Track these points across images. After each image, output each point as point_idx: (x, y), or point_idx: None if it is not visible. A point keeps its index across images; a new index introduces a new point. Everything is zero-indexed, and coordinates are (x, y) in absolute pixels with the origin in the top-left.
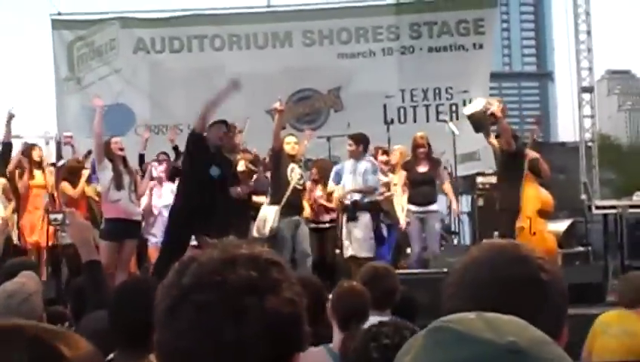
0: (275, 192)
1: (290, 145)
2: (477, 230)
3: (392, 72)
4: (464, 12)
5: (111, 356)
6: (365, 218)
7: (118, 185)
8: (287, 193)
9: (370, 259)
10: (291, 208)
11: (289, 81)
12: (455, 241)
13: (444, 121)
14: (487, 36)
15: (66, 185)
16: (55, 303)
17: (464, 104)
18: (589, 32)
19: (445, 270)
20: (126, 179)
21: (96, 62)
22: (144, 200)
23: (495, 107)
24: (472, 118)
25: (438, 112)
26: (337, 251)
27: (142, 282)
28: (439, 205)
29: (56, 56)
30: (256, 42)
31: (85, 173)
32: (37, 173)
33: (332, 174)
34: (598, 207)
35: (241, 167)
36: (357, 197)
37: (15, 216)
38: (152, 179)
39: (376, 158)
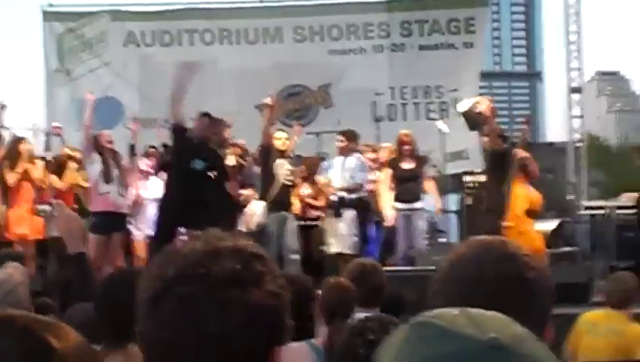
0: (264, 187)
1: (280, 140)
2: (464, 228)
3: (382, 69)
4: (455, 11)
5: (97, 348)
6: (350, 214)
7: (107, 179)
8: (276, 189)
9: (354, 257)
10: (279, 204)
11: (279, 76)
12: (443, 239)
13: (434, 119)
14: (478, 35)
15: (53, 178)
16: (42, 295)
17: (454, 103)
18: (579, 33)
19: (432, 268)
20: (115, 172)
21: (87, 55)
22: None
23: (483, 106)
24: (465, 116)
25: (427, 110)
26: (324, 247)
27: (128, 274)
28: (427, 203)
29: (46, 47)
30: (247, 37)
31: (72, 165)
32: (25, 166)
33: (320, 170)
34: (585, 208)
35: (231, 161)
36: (343, 193)
37: (3, 208)
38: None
39: (364, 156)
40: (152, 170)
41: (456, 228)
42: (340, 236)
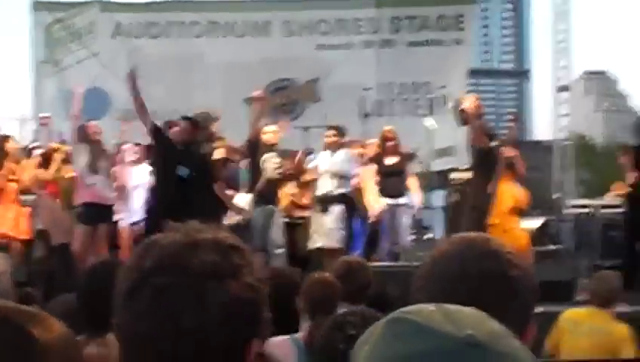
0: (251, 181)
1: (270, 134)
2: (450, 225)
3: (370, 65)
4: (444, 7)
5: (79, 338)
6: (337, 209)
7: (94, 170)
8: (263, 182)
9: (340, 251)
10: (266, 197)
11: (267, 70)
12: (428, 236)
13: (421, 115)
14: (467, 32)
15: (39, 171)
16: (26, 285)
17: (442, 100)
18: (567, 32)
19: (416, 264)
20: (102, 163)
21: (75, 46)
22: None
23: (467, 104)
24: (455, 112)
25: (415, 107)
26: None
27: (110, 265)
28: (412, 199)
29: (34, 38)
30: (235, 31)
31: (57, 156)
32: (10, 165)
33: (306, 164)
34: (571, 206)
35: (218, 154)
36: (330, 188)
37: None
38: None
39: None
40: (138, 158)
41: (441, 224)
42: (327, 230)
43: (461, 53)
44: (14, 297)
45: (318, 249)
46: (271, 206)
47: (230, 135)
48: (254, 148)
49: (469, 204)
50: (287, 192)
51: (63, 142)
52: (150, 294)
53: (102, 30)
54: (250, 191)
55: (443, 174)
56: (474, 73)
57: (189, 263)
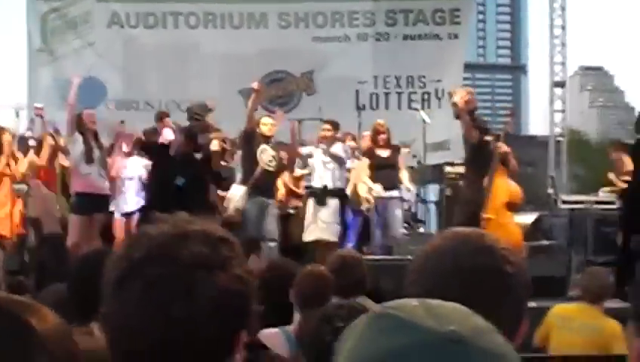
0: (246, 173)
1: (267, 126)
2: (443, 219)
3: (366, 58)
4: (440, 1)
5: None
6: (334, 203)
7: (89, 159)
8: (258, 174)
9: (335, 244)
10: (260, 189)
11: (263, 62)
12: (422, 229)
13: (416, 109)
14: (463, 26)
15: (32, 157)
16: (18, 275)
17: (436, 93)
18: (563, 27)
19: (410, 257)
20: (96, 153)
21: (70, 35)
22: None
23: (457, 97)
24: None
25: (410, 100)
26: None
27: (101, 254)
28: (407, 193)
29: (29, 26)
30: (232, 22)
31: (48, 141)
32: (4, 159)
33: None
34: (564, 202)
35: (214, 146)
36: (327, 182)
37: None
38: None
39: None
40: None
41: (435, 218)
42: (324, 223)
43: (457, 47)
44: (6, 286)
45: (314, 241)
46: (265, 198)
47: (226, 126)
48: (250, 139)
49: (463, 199)
50: (284, 180)
51: (57, 131)
52: (139, 285)
53: (98, 20)
54: (244, 182)
55: (438, 168)
56: (470, 67)
57: (178, 254)
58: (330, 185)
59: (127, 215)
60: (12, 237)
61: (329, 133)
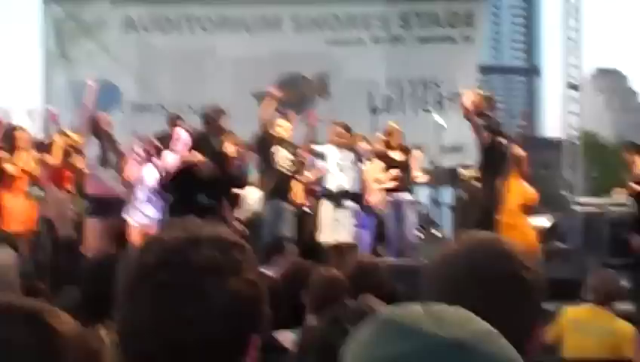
0: (262, 175)
1: (284, 128)
2: (458, 222)
3: (380, 60)
4: (455, 4)
5: None
6: (352, 205)
7: (104, 162)
8: (274, 176)
9: (353, 246)
10: (277, 192)
11: (277, 65)
12: (436, 233)
13: (430, 111)
14: (477, 29)
15: (46, 156)
16: (33, 278)
17: (451, 96)
18: (578, 29)
19: (424, 260)
20: (111, 156)
21: (85, 39)
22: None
23: (465, 99)
24: None
25: (424, 103)
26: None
27: (114, 258)
28: (421, 196)
29: (44, 30)
30: (246, 25)
31: (59, 141)
32: (21, 155)
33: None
34: (579, 204)
35: (230, 150)
36: (342, 183)
37: None
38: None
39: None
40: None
41: (449, 221)
42: (340, 225)
43: (471, 49)
44: (21, 290)
45: (331, 243)
46: (281, 201)
47: (240, 129)
48: (265, 142)
49: (477, 201)
50: (301, 179)
51: (74, 130)
52: (151, 289)
53: (112, 24)
54: (260, 186)
55: (452, 171)
56: (484, 69)
57: (190, 259)
58: (345, 187)
59: (142, 220)
60: (26, 235)
61: (344, 137)
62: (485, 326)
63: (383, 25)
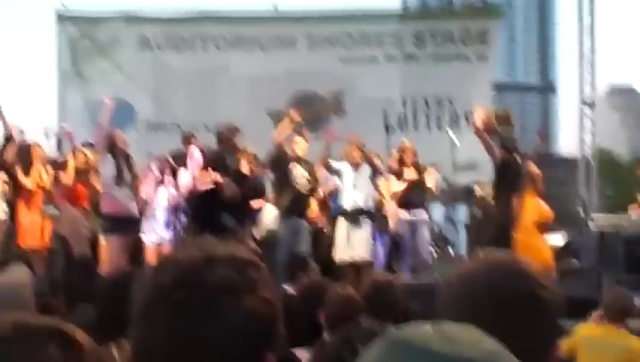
0: (278, 194)
1: (299, 146)
2: (473, 239)
3: (394, 78)
4: (469, 22)
5: None
6: (368, 223)
7: (119, 181)
8: (290, 195)
9: (370, 264)
10: (293, 210)
11: (291, 83)
12: (451, 251)
13: (445, 129)
14: (491, 47)
15: (61, 174)
16: (48, 296)
17: (465, 114)
18: (592, 47)
19: (438, 279)
20: (128, 175)
21: (100, 58)
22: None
23: (475, 117)
24: None
25: (438, 121)
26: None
27: (129, 277)
28: (435, 214)
29: (59, 50)
30: (260, 44)
31: (71, 160)
32: (36, 171)
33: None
34: (594, 221)
35: (245, 168)
36: (360, 204)
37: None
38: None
39: (373, 164)
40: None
41: (464, 238)
42: (357, 244)
43: (485, 67)
44: (36, 308)
45: (347, 261)
46: (298, 219)
47: (254, 147)
48: (280, 160)
49: (492, 219)
50: (316, 197)
51: (89, 145)
52: (168, 310)
53: (127, 43)
54: (276, 204)
55: (467, 188)
56: (498, 87)
57: (205, 278)
58: (360, 205)
59: (157, 240)
60: (41, 251)
61: (360, 155)
62: (495, 345)
63: (397, 43)
